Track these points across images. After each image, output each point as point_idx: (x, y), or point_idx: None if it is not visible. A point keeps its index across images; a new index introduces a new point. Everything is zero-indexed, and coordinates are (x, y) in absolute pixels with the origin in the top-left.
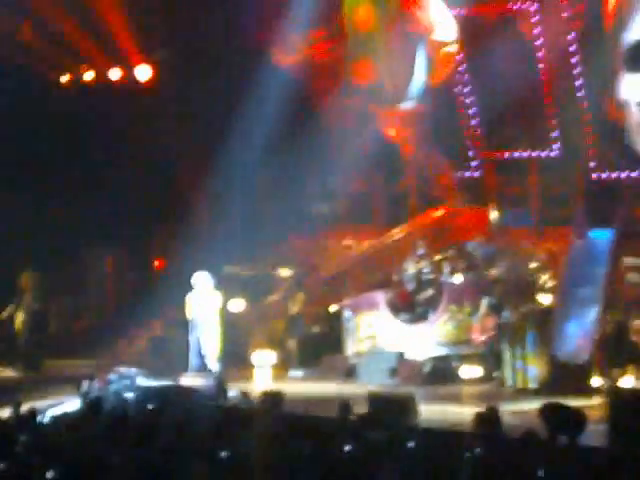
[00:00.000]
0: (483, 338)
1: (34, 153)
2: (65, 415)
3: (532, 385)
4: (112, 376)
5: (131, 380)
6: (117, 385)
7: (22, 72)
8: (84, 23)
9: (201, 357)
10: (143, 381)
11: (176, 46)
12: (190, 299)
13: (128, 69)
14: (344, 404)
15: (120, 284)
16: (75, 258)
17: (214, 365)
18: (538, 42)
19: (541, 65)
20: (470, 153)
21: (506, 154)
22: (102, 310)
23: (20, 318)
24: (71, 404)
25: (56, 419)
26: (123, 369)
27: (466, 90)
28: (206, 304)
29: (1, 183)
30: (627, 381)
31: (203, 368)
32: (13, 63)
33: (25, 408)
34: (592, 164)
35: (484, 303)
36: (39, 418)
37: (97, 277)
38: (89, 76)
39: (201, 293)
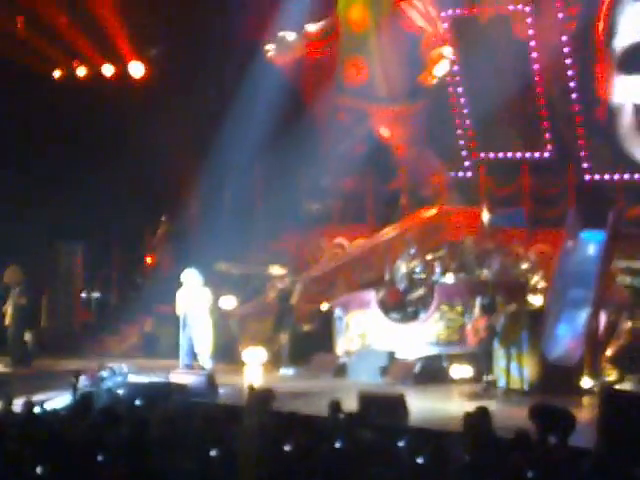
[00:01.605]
0: (475, 338)
1: (24, 146)
2: (56, 410)
3: (523, 386)
4: (104, 372)
5: (123, 377)
6: (110, 382)
7: (14, 66)
8: (77, 19)
9: (192, 354)
10: (134, 378)
11: (169, 43)
12: (180, 296)
13: (121, 66)
14: (334, 402)
15: (110, 281)
16: (54, 254)
17: (206, 362)
18: (532, 43)
19: (535, 66)
20: (463, 153)
21: (499, 155)
22: (92, 307)
23: (9, 313)
24: (62, 399)
25: (47, 414)
26: (114, 365)
27: (459, 90)
28: (196, 301)
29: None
30: (617, 382)
31: (194, 365)
32: (5, 57)
33: (18, 402)
34: (585, 165)
35: (477, 303)
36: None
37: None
38: (82, 72)
39: (190, 290)
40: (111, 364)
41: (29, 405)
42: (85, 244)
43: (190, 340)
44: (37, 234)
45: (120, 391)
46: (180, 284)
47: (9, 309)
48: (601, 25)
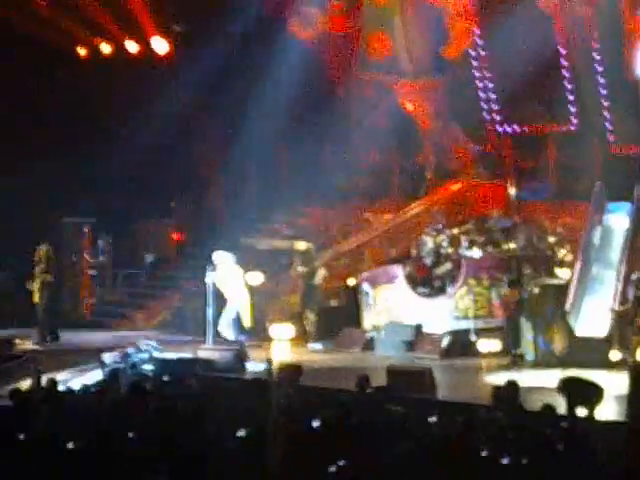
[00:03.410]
0: (504, 312)
1: (53, 127)
2: (85, 387)
3: (551, 359)
4: (130, 349)
5: (149, 353)
6: (135, 358)
7: (39, 44)
8: None
9: (225, 328)
10: (161, 354)
11: (193, 19)
12: (210, 274)
13: (145, 42)
14: (362, 377)
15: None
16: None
17: (238, 337)
18: (556, 15)
19: (559, 39)
20: (487, 127)
21: (524, 128)
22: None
23: (36, 290)
24: (91, 375)
25: (76, 390)
26: (141, 342)
27: (484, 64)
28: (230, 279)
29: (27, 144)
30: None
31: (222, 340)
32: (30, 34)
33: (45, 379)
34: (610, 138)
35: (505, 277)
36: (59, 389)
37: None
38: (106, 49)
39: (223, 270)
40: (139, 340)
41: (55, 382)
42: (109, 220)
43: (221, 315)
44: (54, 211)
45: (146, 367)
46: (209, 262)
47: (35, 286)
48: None
